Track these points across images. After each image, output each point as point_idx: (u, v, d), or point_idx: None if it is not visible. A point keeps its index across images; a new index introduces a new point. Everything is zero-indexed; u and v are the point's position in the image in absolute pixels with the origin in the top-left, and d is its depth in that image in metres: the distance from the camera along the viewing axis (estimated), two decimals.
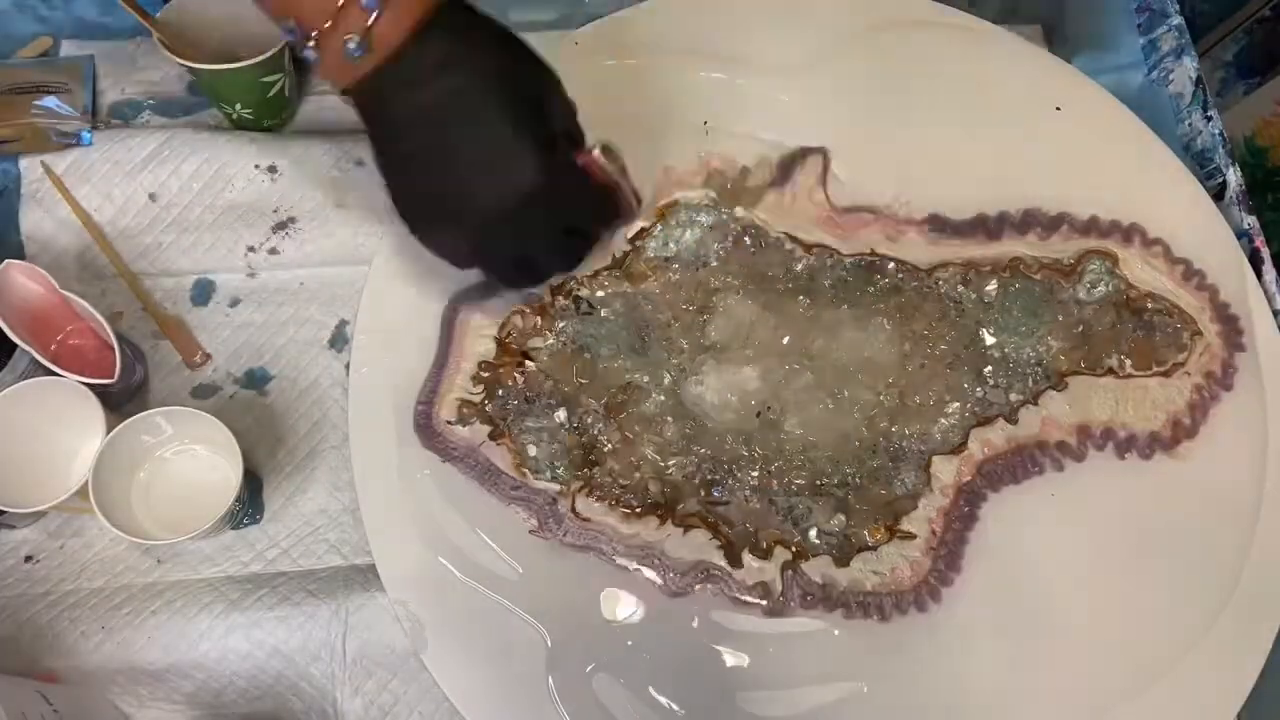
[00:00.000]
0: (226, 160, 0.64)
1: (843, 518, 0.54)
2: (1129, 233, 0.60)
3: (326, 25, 0.40)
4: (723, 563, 0.52)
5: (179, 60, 0.59)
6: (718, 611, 0.51)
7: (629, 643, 0.51)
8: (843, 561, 0.53)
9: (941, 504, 0.54)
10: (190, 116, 0.67)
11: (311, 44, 0.41)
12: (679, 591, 0.51)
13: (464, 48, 0.42)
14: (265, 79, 0.62)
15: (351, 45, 0.40)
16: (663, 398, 0.56)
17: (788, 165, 0.61)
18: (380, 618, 0.54)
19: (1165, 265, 0.60)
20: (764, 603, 0.51)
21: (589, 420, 0.55)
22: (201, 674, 0.53)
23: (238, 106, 0.64)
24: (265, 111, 0.65)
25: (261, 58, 0.59)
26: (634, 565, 0.52)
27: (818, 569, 0.52)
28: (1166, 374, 0.57)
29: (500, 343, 0.56)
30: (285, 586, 0.55)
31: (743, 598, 0.51)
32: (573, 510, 0.53)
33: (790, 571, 0.52)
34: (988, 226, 0.60)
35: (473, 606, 0.51)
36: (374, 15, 0.39)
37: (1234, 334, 0.58)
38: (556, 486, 0.53)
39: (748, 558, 0.52)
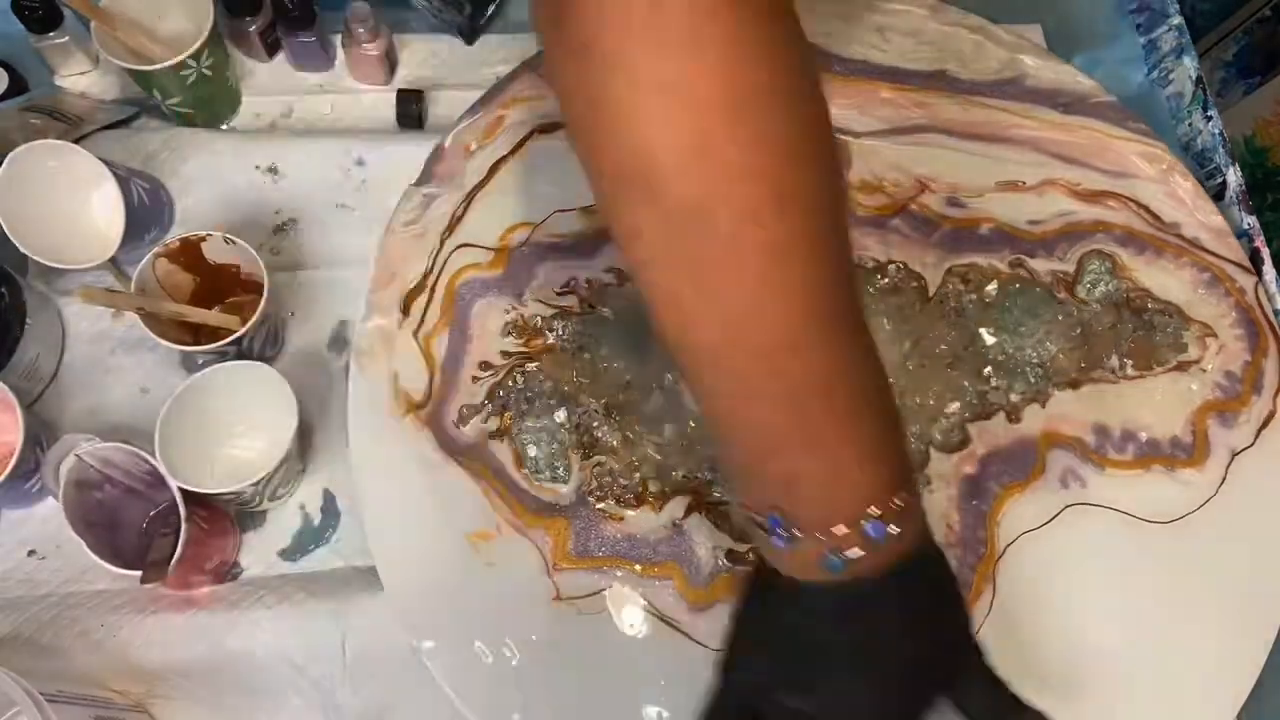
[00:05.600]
0: (227, 160, 0.64)
1: None
2: (1160, 240, 0.60)
3: (819, 535, 0.35)
4: (750, 553, 0.52)
5: (112, 58, 0.59)
6: (725, 618, 0.51)
7: (628, 645, 0.51)
8: None
9: (950, 494, 0.54)
10: None
11: (787, 535, 0.36)
12: (704, 581, 0.52)
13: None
14: (183, 72, 0.61)
15: (834, 560, 0.35)
16: (662, 398, 0.56)
17: None
18: (380, 618, 0.54)
19: (1192, 273, 0.60)
20: None
21: (589, 420, 0.55)
22: (201, 673, 0.53)
23: (167, 102, 0.63)
24: (197, 105, 0.64)
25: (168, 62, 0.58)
26: (647, 571, 0.52)
27: None
28: (1179, 368, 0.57)
29: (520, 324, 0.57)
30: (285, 587, 0.55)
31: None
32: (600, 512, 0.53)
33: None
34: (1016, 244, 0.60)
35: (473, 606, 0.51)
36: (872, 550, 0.34)
37: (1256, 337, 0.58)
38: (568, 489, 0.53)
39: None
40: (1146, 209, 0.61)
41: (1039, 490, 0.55)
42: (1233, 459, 0.56)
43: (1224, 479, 0.55)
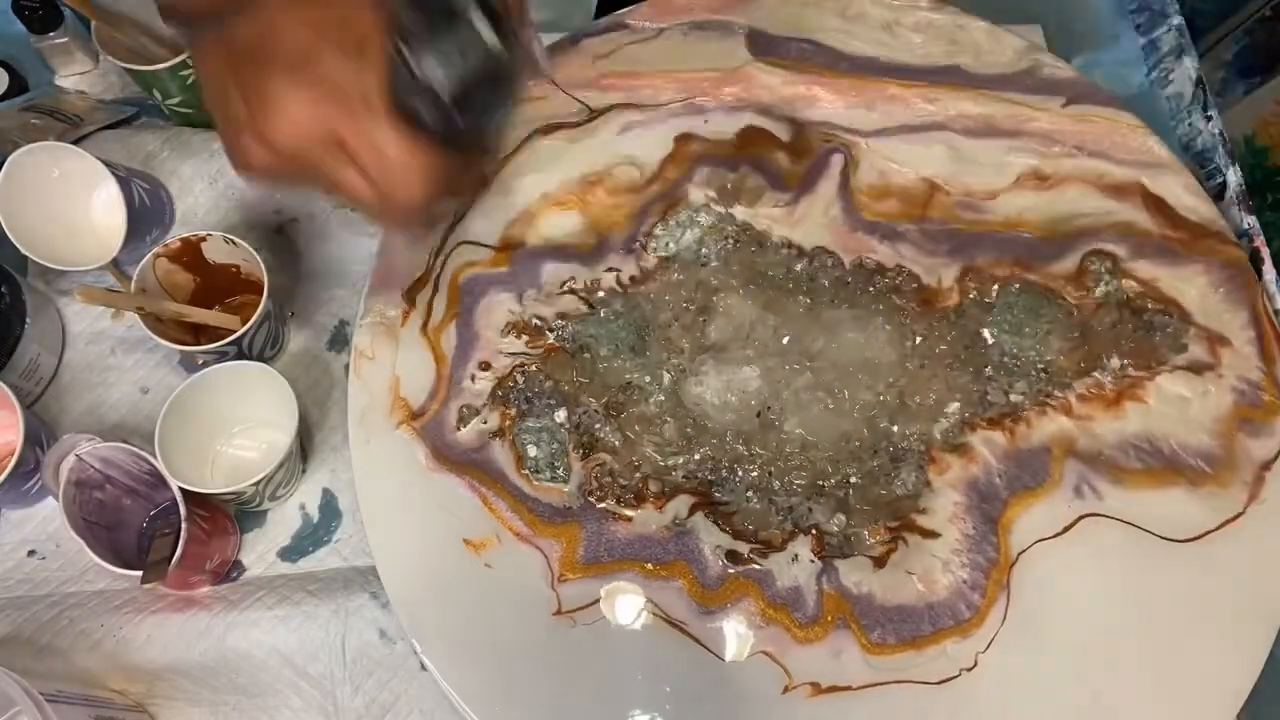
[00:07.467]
0: (227, 160, 0.63)
1: (843, 518, 0.53)
2: (1177, 236, 0.60)
3: None
4: (751, 554, 0.52)
5: (112, 58, 0.60)
6: (733, 623, 0.51)
7: (630, 647, 0.51)
8: (879, 562, 0.52)
9: (957, 500, 0.54)
10: None
11: None
12: (714, 583, 0.51)
13: None
14: (183, 72, 0.61)
15: None
16: (663, 398, 0.56)
17: (808, 168, 0.61)
18: (380, 617, 0.54)
19: (1207, 271, 0.59)
20: (796, 615, 0.51)
21: (589, 420, 0.55)
22: (201, 673, 0.53)
23: (167, 102, 0.64)
24: (197, 105, 0.65)
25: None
26: (652, 572, 0.52)
27: (850, 574, 0.52)
28: (1196, 371, 0.57)
29: (521, 324, 0.57)
30: (285, 587, 0.55)
31: (768, 615, 0.51)
32: (611, 514, 0.53)
33: (823, 575, 0.52)
34: (1021, 245, 0.60)
35: (473, 605, 0.51)
36: None
37: (1262, 340, 0.58)
38: (569, 489, 0.53)
39: (778, 556, 0.52)
40: (1166, 202, 0.61)
41: (1053, 499, 0.54)
42: (1260, 472, 0.55)
43: (1252, 495, 0.54)
